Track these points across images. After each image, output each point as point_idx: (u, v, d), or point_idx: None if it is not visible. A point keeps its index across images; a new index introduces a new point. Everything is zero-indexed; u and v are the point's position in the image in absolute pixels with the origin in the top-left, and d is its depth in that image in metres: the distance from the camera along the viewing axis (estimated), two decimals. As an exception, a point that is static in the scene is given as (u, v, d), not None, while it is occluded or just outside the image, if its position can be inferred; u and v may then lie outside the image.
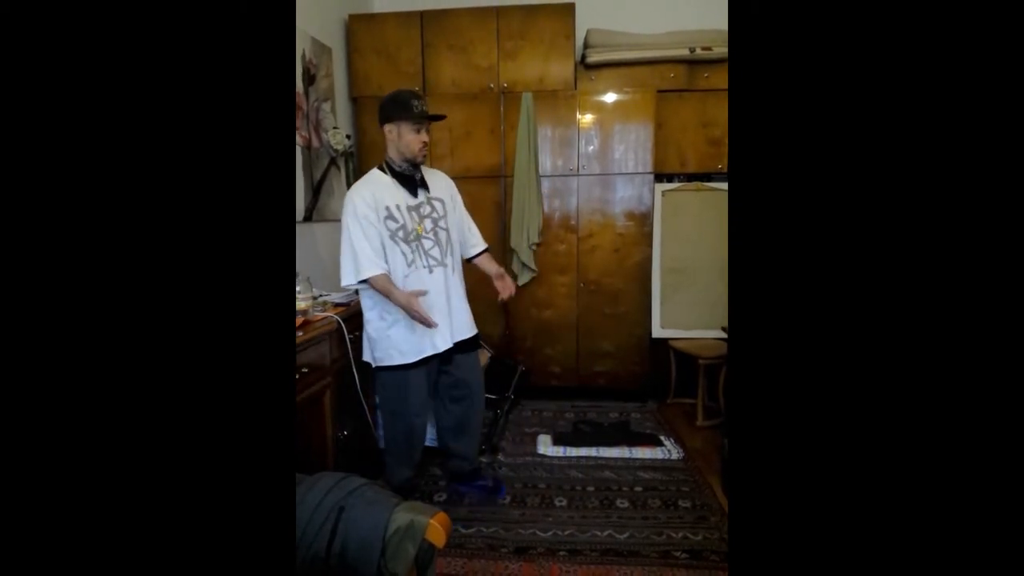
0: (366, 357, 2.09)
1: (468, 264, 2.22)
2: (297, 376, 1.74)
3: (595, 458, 2.60)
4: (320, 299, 2.14)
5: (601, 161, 3.19)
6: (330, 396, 1.98)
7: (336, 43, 3.11)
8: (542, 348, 3.33)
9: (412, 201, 1.98)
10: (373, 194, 1.92)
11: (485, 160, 3.19)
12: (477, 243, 2.21)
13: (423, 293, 1.94)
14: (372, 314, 2.01)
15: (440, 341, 2.02)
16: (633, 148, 3.16)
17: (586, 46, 3.26)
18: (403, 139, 1.92)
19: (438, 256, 2.00)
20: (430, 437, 2.55)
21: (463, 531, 2.03)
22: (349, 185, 3.14)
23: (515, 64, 3.15)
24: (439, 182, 2.09)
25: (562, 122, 3.16)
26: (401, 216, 1.94)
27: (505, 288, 2.11)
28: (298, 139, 2.63)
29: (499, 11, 3.12)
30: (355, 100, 3.28)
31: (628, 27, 3.27)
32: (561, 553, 1.89)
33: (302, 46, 2.67)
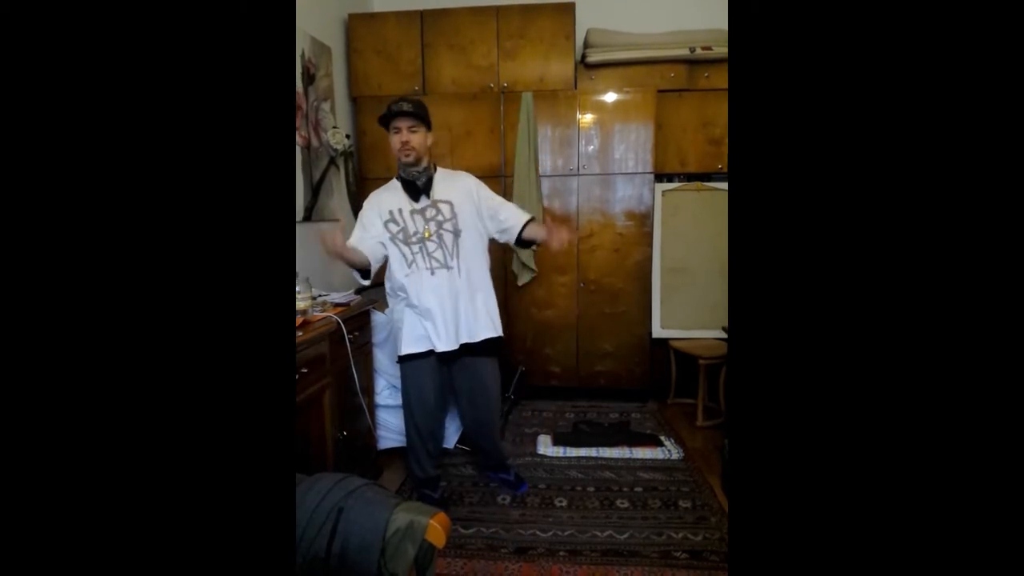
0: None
1: (531, 246, 2.24)
2: (296, 376, 1.73)
3: (595, 458, 2.60)
4: (320, 299, 2.14)
5: (601, 161, 3.19)
6: (329, 396, 1.98)
7: (336, 43, 3.11)
8: (542, 348, 3.33)
9: (415, 205, 2.04)
10: (380, 198, 2.08)
11: (485, 160, 3.18)
12: (516, 223, 2.12)
13: (349, 251, 1.97)
14: (390, 302, 2.19)
15: (440, 342, 2.05)
16: (633, 148, 3.16)
17: (586, 46, 3.26)
18: (391, 144, 2.03)
19: (441, 258, 2.03)
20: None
21: (463, 531, 2.03)
22: (348, 185, 3.14)
23: (515, 64, 3.15)
24: (451, 185, 2.10)
25: (562, 122, 3.16)
26: (402, 220, 2.03)
27: (565, 230, 2.05)
28: (297, 139, 2.62)
29: (499, 11, 3.12)
30: (355, 100, 3.28)
31: (628, 27, 3.27)
32: (561, 553, 1.89)
33: (302, 46, 2.67)
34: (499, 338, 2.17)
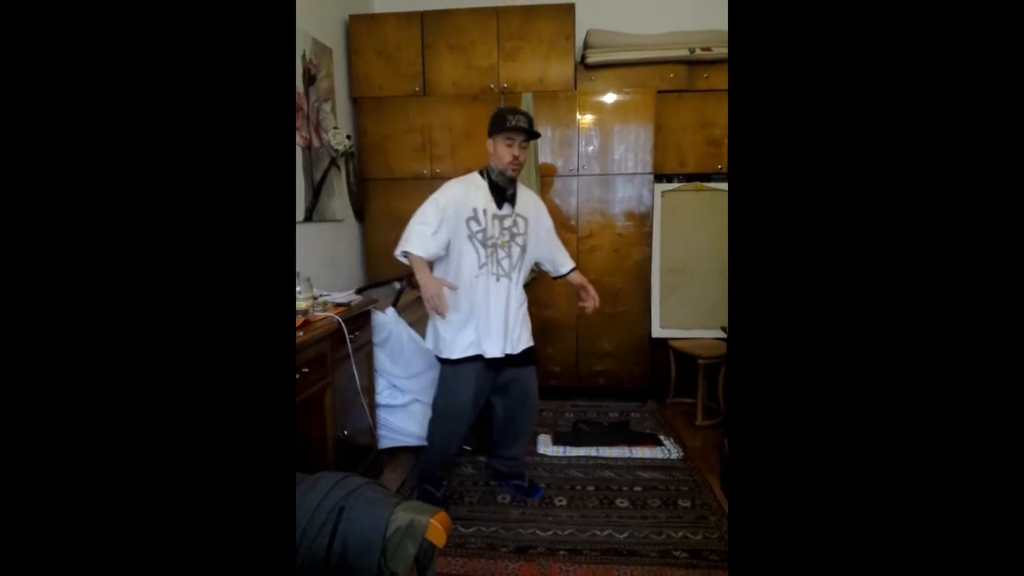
0: (428, 344, 2.19)
1: (556, 280, 2.34)
2: (297, 376, 1.74)
3: (595, 458, 2.61)
4: (320, 299, 2.14)
5: (601, 161, 3.19)
6: (330, 396, 1.98)
7: (336, 43, 3.11)
8: (542, 347, 3.33)
9: (498, 211, 2.04)
10: (466, 192, 2.02)
11: (485, 160, 3.16)
12: (566, 262, 2.27)
13: (453, 287, 1.99)
14: None
15: (490, 347, 2.06)
16: (633, 148, 3.16)
17: (586, 46, 3.26)
18: (497, 152, 2.01)
19: (506, 268, 2.06)
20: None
21: (463, 530, 2.03)
22: (349, 185, 3.15)
23: (515, 64, 3.15)
24: (528, 201, 2.14)
25: (562, 122, 3.16)
26: (485, 221, 2.01)
27: (590, 299, 2.20)
28: (298, 139, 2.63)
29: (499, 11, 3.12)
30: (355, 100, 3.28)
31: (628, 27, 3.28)
32: (561, 552, 1.89)
33: (302, 46, 2.67)
34: (533, 347, 2.21)
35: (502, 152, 2.00)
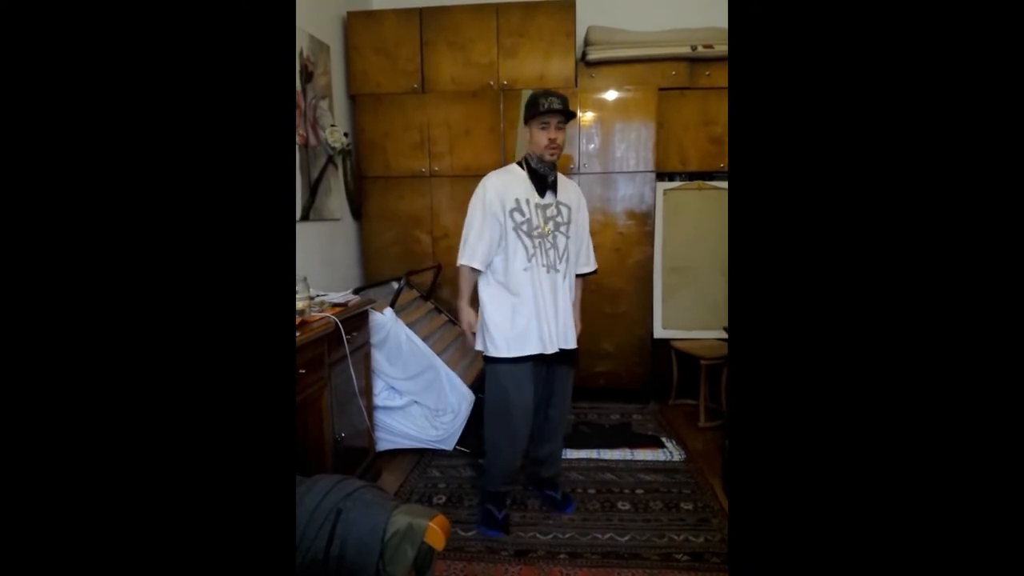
0: (478, 346, 2.06)
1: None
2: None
3: (596, 460, 2.58)
4: (317, 299, 2.11)
5: (602, 159, 3.17)
6: (327, 397, 1.96)
7: (334, 40, 3.08)
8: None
9: (540, 200, 1.96)
10: (505, 183, 1.95)
11: (485, 158, 3.15)
12: (589, 262, 2.16)
13: (473, 330, 2.01)
14: (483, 296, 2.01)
15: (548, 343, 1.96)
16: (634, 146, 3.14)
17: (587, 43, 3.24)
18: (534, 138, 1.94)
19: (553, 259, 1.97)
20: (433, 439, 2.53)
21: (462, 534, 2.00)
22: (347, 184, 3.12)
23: (515, 61, 3.13)
24: (570, 190, 2.07)
25: (562, 120, 3.13)
26: (528, 211, 1.94)
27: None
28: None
29: (499, 8, 3.10)
30: (353, 98, 3.26)
31: (629, 24, 3.26)
32: (562, 556, 1.87)
33: (300, 43, 2.65)
34: (577, 348, 2.10)
35: (538, 137, 1.92)
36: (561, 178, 2.05)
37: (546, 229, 1.95)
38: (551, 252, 1.96)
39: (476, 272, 1.97)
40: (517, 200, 1.93)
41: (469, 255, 1.94)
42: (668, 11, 3.38)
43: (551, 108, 1.88)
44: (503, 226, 1.92)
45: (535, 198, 1.95)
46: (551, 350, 1.97)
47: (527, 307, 1.95)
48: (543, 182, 1.97)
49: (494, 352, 1.98)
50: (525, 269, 1.94)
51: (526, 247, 1.93)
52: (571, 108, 1.93)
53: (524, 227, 1.93)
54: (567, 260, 2.00)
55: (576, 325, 2.08)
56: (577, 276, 2.13)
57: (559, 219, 1.98)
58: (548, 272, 1.96)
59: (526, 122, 1.97)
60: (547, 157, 1.93)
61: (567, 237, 1.99)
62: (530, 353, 1.96)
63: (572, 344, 2.04)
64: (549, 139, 1.91)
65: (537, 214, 1.94)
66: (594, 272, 2.21)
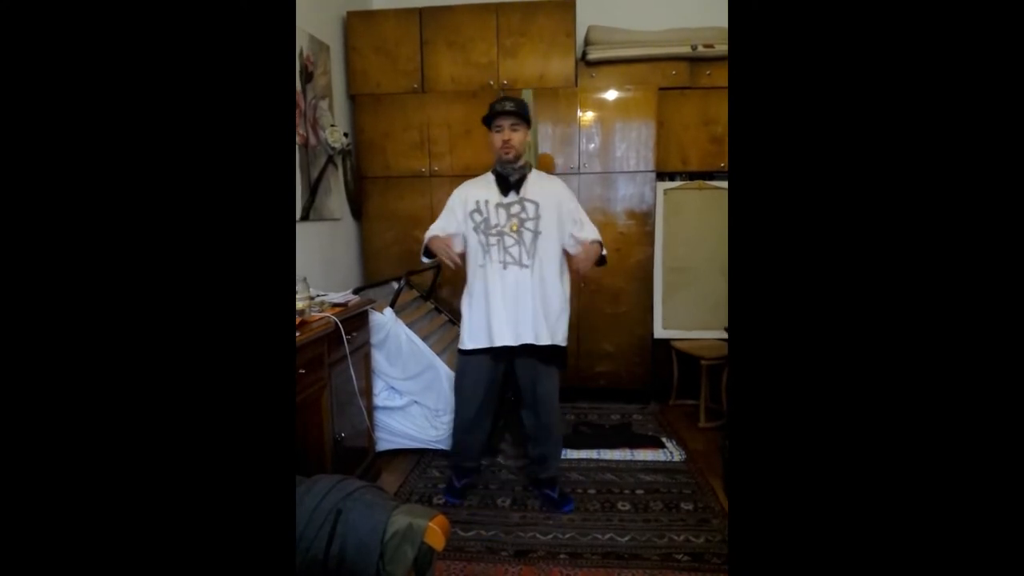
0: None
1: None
2: (293, 376, 1.71)
3: (596, 460, 2.58)
4: (317, 299, 2.11)
5: (602, 159, 3.16)
6: (327, 397, 1.96)
7: (334, 40, 3.08)
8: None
9: (502, 199, 2.07)
10: (470, 188, 2.15)
11: (485, 158, 3.13)
12: (586, 236, 2.09)
13: (457, 253, 2.06)
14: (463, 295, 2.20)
15: (499, 336, 2.06)
16: (635, 146, 3.13)
17: (587, 43, 3.24)
18: (491, 142, 2.10)
19: (516, 255, 2.04)
20: (433, 439, 2.53)
21: (462, 534, 2.00)
22: (347, 183, 3.12)
23: (515, 61, 3.12)
24: (542, 187, 2.10)
25: (563, 120, 3.13)
26: (486, 211, 2.07)
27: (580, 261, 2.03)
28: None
29: (499, 8, 3.10)
30: (353, 98, 3.26)
31: (629, 24, 3.25)
32: (562, 556, 1.86)
33: (300, 43, 2.64)
34: (564, 348, 2.14)
35: (494, 139, 2.07)
36: (536, 175, 2.13)
37: (512, 226, 2.05)
38: (515, 248, 2.04)
39: (433, 235, 2.11)
40: (477, 202, 2.08)
41: (429, 233, 2.13)
42: (668, 11, 3.37)
43: (501, 110, 2.03)
44: (461, 224, 2.10)
45: (496, 198, 2.07)
46: (504, 343, 2.05)
47: (479, 302, 2.09)
48: (506, 182, 2.08)
49: (460, 344, 2.18)
50: (481, 265, 2.08)
51: (482, 244, 2.06)
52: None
53: (482, 226, 2.07)
54: (536, 255, 2.04)
55: (580, 268, 2.03)
56: (588, 244, 2.07)
57: (523, 215, 2.06)
58: (505, 267, 2.04)
59: (489, 129, 2.10)
60: (503, 157, 2.05)
61: (536, 232, 2.04)
62: (479, 347, 2.10)
63: (545, 340, 2.07)
64: (503, 140, 2.04)
65: (497, 213, 2.06)
66: (599, 242, 2.10)
